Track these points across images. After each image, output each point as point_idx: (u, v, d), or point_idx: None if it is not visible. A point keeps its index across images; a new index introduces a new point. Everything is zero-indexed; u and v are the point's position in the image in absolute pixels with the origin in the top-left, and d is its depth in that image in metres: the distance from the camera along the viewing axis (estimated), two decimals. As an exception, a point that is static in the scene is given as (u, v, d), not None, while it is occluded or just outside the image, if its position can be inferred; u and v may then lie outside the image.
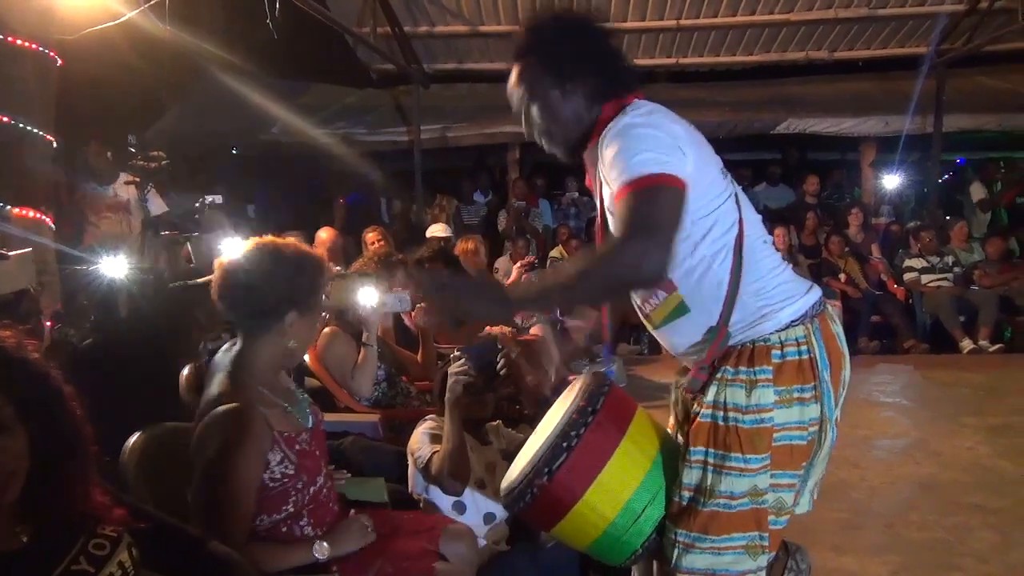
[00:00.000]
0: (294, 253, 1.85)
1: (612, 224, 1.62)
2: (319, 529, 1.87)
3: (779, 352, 1.61)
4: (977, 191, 8.44)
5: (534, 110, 1.75)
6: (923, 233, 7.26)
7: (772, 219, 7.76)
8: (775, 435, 1.60)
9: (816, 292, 1.72)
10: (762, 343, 1.62)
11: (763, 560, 1.61)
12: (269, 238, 1.88)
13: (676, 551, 1.62)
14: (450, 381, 2.34)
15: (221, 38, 7.14)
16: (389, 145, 8.31)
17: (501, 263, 7.25)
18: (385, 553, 1.85)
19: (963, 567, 2.87)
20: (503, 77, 1.82)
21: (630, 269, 1.45)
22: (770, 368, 1.60)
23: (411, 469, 2.50)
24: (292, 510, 1.80)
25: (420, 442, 2.43)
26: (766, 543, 1.61)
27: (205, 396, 1.80)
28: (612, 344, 2.05)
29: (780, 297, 1.65)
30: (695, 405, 1.69)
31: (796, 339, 1.62)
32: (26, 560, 1.23)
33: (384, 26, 7.03)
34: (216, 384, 1.81)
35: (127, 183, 5.49)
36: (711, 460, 1.61)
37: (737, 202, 1.68)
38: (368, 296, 2.89)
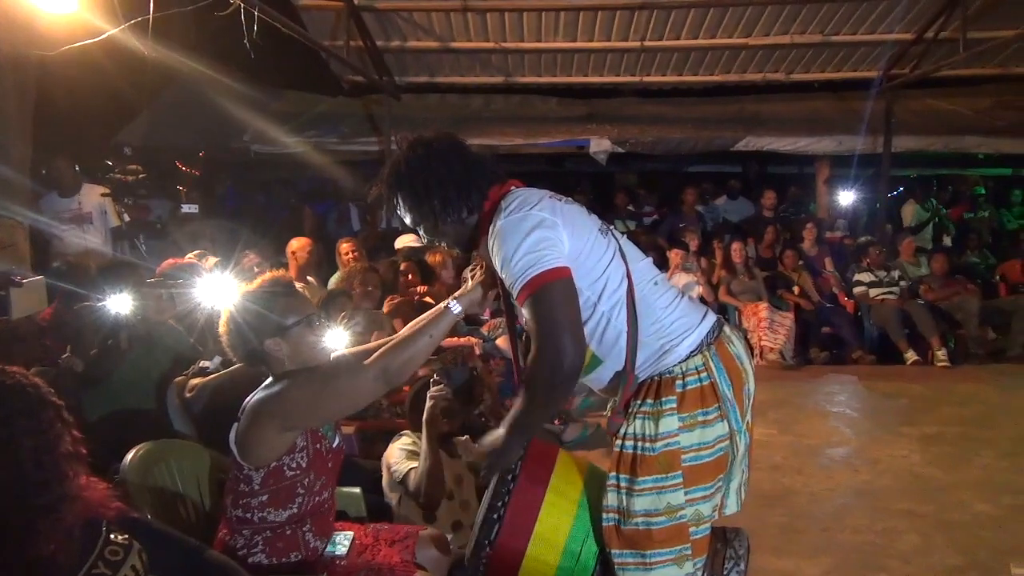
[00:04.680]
0: (253, 294, 2.02)
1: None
2: (320, 537, 2.03)
3: (681, 382, 1.82)
4: (908, 214, 8.86)
5: (420, 231, 1.99)
6: (872, 248, 7.60)
7: (731, 232, 8.08)
8: (683, 456, 1.80)
9: (711, 318, 1.94)
10: (667, 375, 1.84)
11: (689, 566, 1.81)
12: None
13: (618, 572, 1.83)
14: (428, 403, 2.51)
15: (194, 49, 7.18)
16: (361, 154, 8.38)
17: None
18: (370, 566, 2.04)
19: (889, 568, 3.15)
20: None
21: (555, 373, 1.69)
22: (674, 398, 1.81)
23: (385, 479, 2.68)
24: (296, 511, 1.96)
25: (397, 457, 2.62)
26: (689, 552, 1.81)
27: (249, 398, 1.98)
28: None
29: (678, 331, 1.86)
30: (615, 440, 1.90)
31: (696, 368, 1.83)
32: (53, 566, 1.40)
33: (357, 40, 7.16)
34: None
35: (103, 195, 5.60)
36: (623, 484, 1.83)
37: (623, 256, 1.88)
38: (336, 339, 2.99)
